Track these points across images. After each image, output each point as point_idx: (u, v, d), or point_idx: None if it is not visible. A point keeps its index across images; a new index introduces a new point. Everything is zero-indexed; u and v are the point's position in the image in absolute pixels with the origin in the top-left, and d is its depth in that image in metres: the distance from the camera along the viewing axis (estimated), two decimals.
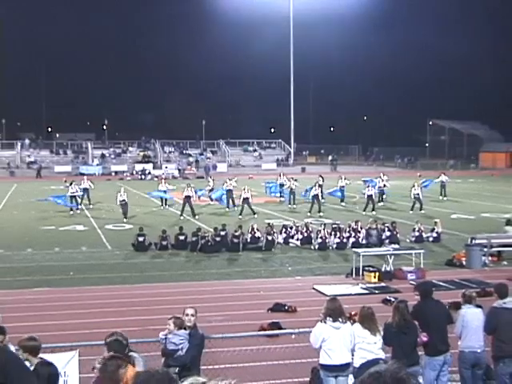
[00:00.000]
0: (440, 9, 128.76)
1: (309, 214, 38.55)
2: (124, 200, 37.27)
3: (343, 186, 44.41)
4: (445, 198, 46.28)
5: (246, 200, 38.35)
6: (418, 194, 40.36)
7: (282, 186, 46.78)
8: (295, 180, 43.97)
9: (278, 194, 46.65)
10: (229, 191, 41.12)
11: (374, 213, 38.69)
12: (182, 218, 37.10)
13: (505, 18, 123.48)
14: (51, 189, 57.07)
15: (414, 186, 40.78)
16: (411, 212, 39.25)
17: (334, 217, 36.78)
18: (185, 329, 10.46)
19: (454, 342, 11.62)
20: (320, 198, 40.15)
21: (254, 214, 38.00)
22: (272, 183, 48.31)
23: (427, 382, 11.12)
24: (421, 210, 39.74)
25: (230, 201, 41.16)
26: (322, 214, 38.60)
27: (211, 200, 42.70)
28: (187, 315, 10.53)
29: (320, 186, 41.04)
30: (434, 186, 47.36)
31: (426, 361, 11.26)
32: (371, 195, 40.33)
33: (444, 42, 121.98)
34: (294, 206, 42.34)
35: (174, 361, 10.37)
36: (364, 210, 39.59)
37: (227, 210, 40.62)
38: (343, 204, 43.45)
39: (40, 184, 62.52)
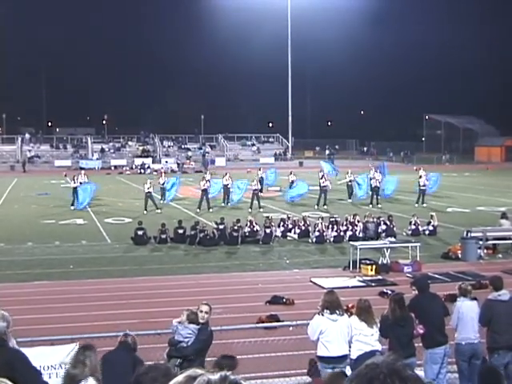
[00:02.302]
0: (437, 4, 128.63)
1: (316, 206, 38.72)
2: (149, 192, 37.53)
3: (351, 181, 43.38)
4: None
5: (255, 192, 38.52)
6: (425, 186, 40.54)
7: (262, 179, 46.63)
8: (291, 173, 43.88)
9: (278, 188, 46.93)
10: (225, 186, 40.92)
11: (379, 206, 39.11)
12: (198, 210, 37.44)
13: (501, 12, 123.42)
14: (51, 183, 57.17)
15: (420, 176, 40.90)
16: (416, 205, 39.35)
17: (332, 210, 36.90)
18: (197, 324, 10.55)
19: (450, 334, 11.73)
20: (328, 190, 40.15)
21: (260, 207, 38.21)
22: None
23: (430, 376, 11.16)
24: (423, 202, 39.95)
25: (226, 196, 41.01)
26: (326, 206, 38.74)
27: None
28: (201, 312, 10.54)
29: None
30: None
31: (427, 355, 11.37)
32: (377, 186, 40.47)
33: (440, 37, 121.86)
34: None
35: (176, 351, 10.49)
36: (371, 203, 39.79)
37: (223, 205, 40.55)
38: (349, 200, 42.64)
39: (41, 178, 62.54)
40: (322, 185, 39.72)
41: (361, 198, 41.97)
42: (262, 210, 37.70)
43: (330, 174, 45.23)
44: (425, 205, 39.60)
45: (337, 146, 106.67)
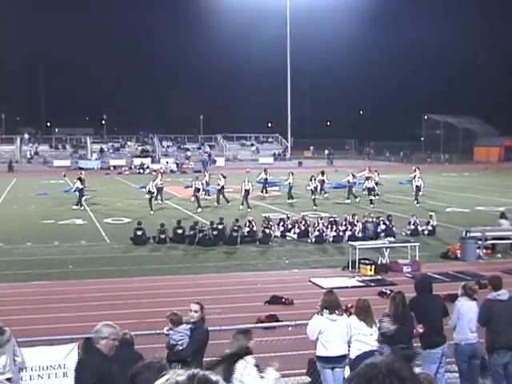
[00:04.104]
0: (436, 4, 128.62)
1: (315, 207, 38.69)
2: (152, 192, 37.51)
3: (349, 182, 43.03)
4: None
5: (246, 192, 38.43)
6: (419, 186, 40.57)
7: (266, 180, 46.58)
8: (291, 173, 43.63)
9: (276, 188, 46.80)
10: (220, 188, 40.80)
11: (371, 206, 39.08)
12: (199, 210, 37.48)
13: (501, 11, 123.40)
14: (50, 183, 57.15)
15: (415, 176, 40.98)
16: (418, 205, 39.39)
17: (331, 210, 36.89)
18: (187, 324, 10.53)
19: (449, 334, 11.73)
20: (318, 191, 40.13)
21: (249, 207, 38.13)
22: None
23: None
24: (416, 200, 39.98)
25: (221, 197, 40.86)
26: (315, 207, 38.69)
27: (208, 195, 42.92)
28: (190, 311, 10.56)
29: (321, 180, 41.02)
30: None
31: (426, 355, 11.37)
32: (372, 187, 40.51)
33: (439, 37, 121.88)
34: (294, 200, 42.38)
35: (173, 355, 10.45)
36: (371, 203, 39.84)
37: (216, 205, 40.33)
38: (348, 201, 42.24)
39: (40, 178, 62.51)
40: (311, 186, 39.73)
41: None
42: (250, 210, 37.51)
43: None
44: (418, 205, 39.55)
45: (346, 147, 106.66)
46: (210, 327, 10.94)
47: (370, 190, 41.14)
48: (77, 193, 40.17)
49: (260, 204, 41.18)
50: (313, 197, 39.56)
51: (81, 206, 39.53)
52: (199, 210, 37.62)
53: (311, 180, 40.28)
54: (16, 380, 10.81)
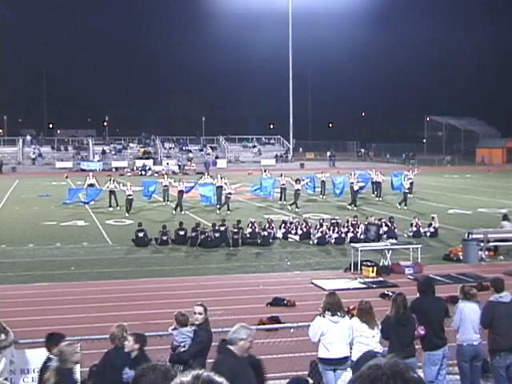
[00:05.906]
0: (439, 6, 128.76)
1: (289, 207, 38.74)
2: (131, 195, 37.63)
3: (352, 183, 42.29)
4: (411, 195, 43.11)
5: (228, 196, 38.23)
6: (409, 189, 40.66)
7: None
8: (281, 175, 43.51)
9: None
10: (219, 188, 40.26)
11: (354, 208, 39.05)
12: (182, 213, 37.26)
13: (505, 14, 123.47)
14: (53, 185, 57.18)
15: (405, 179, 41.19)
16: (399, 207, 39.24)
17: (332, 212, 36.89)
18: (192, 325, 10.51)
19: (450, 335, 11.72)
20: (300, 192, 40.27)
21: (229, 210, 37.76)
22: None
23: (429, 378, 11.17)
24: (405, 205, 39.72)
25: (220, 198, 40.63)
26: (297, 209, 38.57)
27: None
28: (195, 313, 10.48)
29: (322, 181, 41.24)
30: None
31: (426, 357, 11.35)
32: (357, 190, 40.47)
33: (441, 39, 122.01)
34: (285, 202, 42.23)
35: (176, 356, 10.43)
36: (354, 204, 39.75)
37: (218, 207, 40.18)
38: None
39: (42, 180, 62.56)
40: (295, 188, 39.72)
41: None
42: (229, 212, 37.40)
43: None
44: (405, 208, 39.20)
45: (358, 150, 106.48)
46: (212, 329, 10.93)
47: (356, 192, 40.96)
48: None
49: (262, 205, 41.13)
50: (296, 199, 39.57)
51: (117, 205, 39.89)
52: (182, 212, 37.51)
53: (296, 182, 40.12)
54: (15, 382, 10.82)
